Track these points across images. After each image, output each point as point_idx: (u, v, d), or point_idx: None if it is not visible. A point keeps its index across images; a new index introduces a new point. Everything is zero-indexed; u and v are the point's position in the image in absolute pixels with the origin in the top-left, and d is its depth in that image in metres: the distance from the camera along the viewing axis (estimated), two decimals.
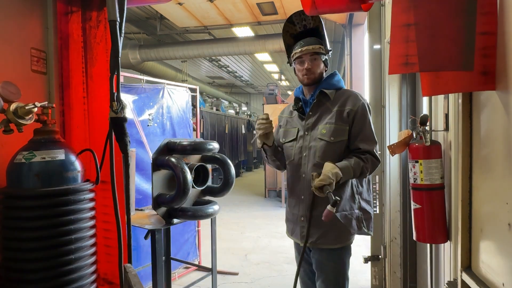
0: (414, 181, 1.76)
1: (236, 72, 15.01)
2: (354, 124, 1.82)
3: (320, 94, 1.90)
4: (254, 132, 2.05)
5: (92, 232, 2.10)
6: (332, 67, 13.72)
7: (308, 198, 1.84)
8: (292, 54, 1.96)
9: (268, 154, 2.00)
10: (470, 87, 1.31)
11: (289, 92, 18.69)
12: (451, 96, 1.66)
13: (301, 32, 2.02)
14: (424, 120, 1.74)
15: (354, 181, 1.86)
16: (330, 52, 1.98)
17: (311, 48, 1.89)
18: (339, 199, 1.59)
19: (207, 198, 2.76)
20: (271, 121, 1.89)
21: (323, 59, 1.95)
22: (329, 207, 1.58)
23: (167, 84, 3.86)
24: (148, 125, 3.60)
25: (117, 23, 1.89)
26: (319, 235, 1.84)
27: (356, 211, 1.85)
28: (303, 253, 1.85)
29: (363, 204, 1.89)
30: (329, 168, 1.66)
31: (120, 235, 1.96)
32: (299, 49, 1.90)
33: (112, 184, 1.97)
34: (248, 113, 19.62)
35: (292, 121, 2.01)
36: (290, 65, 2.04)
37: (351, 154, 1.80)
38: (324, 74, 1.98)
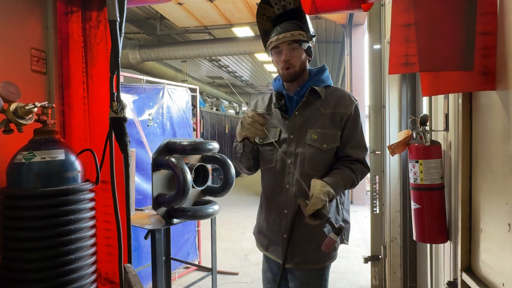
0: (414, 181, 1.76)
1: (236, 72, 15.00)
2: (345, 129, 1.57)
3: (310, 92, 1.60)
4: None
5: (92, 232, 2.10)
6: (332, 67, 13.70)
7: (292, 213, 1.55)
8: (268, 42, 1.64)
9: (245, 151, 1.66)
10: (470, 87, 1.31)
11: None
12: (451, 96, 1.66)
13: (280, 15, 1.69)
14: (424, 120, 1.74)
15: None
16: (314, 38, 1.64)
17: (290, 35, 1.55)
18: (343, 225, 1.38)
19: (207, 198, 2.76)
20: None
21: (305, 48, 1.60)
22: (332, 235, 1.32)
23: (167, 84, 3.86)
24: (148, 125, 3.60)
25: (117, 23, 1.90)
26: (305, 255, 1.57)
27: (341, 223, 1.61)
28: (282, 274, 1.57)
29: (345, 215, 1.67)
30: (318, 187, 1.39)
31: (120, 235, 1.96)
32: (275, 37, 1.58)
33: (112, 184, 1.97)
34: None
35: (272, 119, 1.67)
36: (268, 56, 1.71)
37: (340, 163, 1.56)
38: (307, 65, 1.66)
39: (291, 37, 1.56)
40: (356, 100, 1.63)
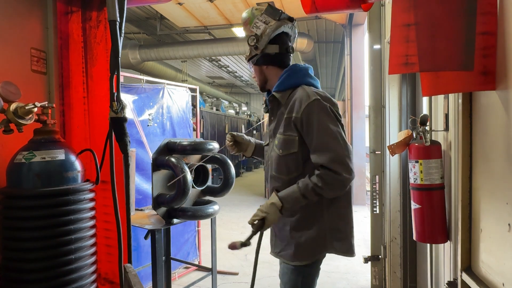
0: (414, 181, 1.76)
1: (236, 72, 15.01)
2: (303, 134, 1.51)
3: (272, 98, 1.63)
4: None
5: (92, 232, 2.10)
6: (332, 67, 13.70)
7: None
8: None
9: (256, 159, 1.92)
10: (470, 87, 1.31)
11: None
12: (451, 96, 1.66)
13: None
14: (424, 120, 1.74)
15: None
16: (259, 49, 1.60)
17: (245, 57, 1.70)
18: (249, 244, 1.48)
19: (207, 198, 2.76)
20: (235, 140, 1.82)
21: (259, 62, 1.64)
22: (237, 243, 1.48)
23: (167, 84, 3.86)
24: (148, 125, 3.60)
25: (117, 23, 1.90)
26: (281, 248, 1.63)
27: (321, 231, 1.56)
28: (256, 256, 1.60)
29: (336, 221, 1.59)
30: (267, 201, 1.49)
31: (120, 235, 1.96)
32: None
33: (112, 184, 1.97)
34: (248, 113, 19.62)
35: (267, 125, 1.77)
36: None
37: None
38: (271, 73, 1.66)
39: (245, 57, 1.69)
40: (311, 99, 1.49)
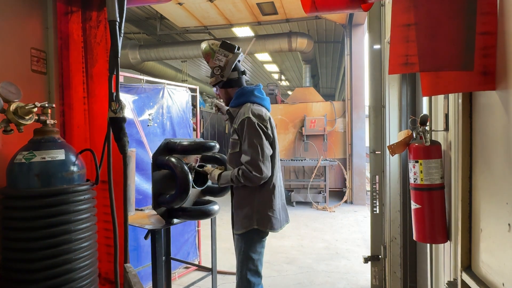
0: (414, 181, 1.76)
1: None
2: (240, 138, 2.12)
3: (228, 112, 2.28)
4: None
5: (92, 232, 2.10)
6: (332, 67, 13.71)
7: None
8: None
9: None
10: (470, 87, 1.31)
11: (289, 92, 18.68)
12: (451, 96, 1.66)
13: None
14: (424, 120, 1.73)
15: (257, 188, 2.11)
16: (223, 74, 2.18)
17: (209, 83, 2.29)
18: (193, 168, 2.38)
19: (207, 198, 2.76)
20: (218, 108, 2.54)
21: (223, 86, 2.23)
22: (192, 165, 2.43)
23: (167, 84, 3.86)
24: (148, 125, 3.60)
25: (117, 23, 1.90)
26: (234, 223, 2.27)
27: (251, 211, 2.12)
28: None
29: (262, 207, 2.12)
30: (216, 170, 2.26)
31: (115, 234, 1.96)
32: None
33: (109, 184, 1.97)
34: None
35: None
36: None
37: None
38: (233, 93, 2.24)
39: (210, 84, 2.29)
40: (246, 116, 2.07)
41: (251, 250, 2.16)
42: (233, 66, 2.18)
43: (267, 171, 2.04)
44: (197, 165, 2.49)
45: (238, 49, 2.19)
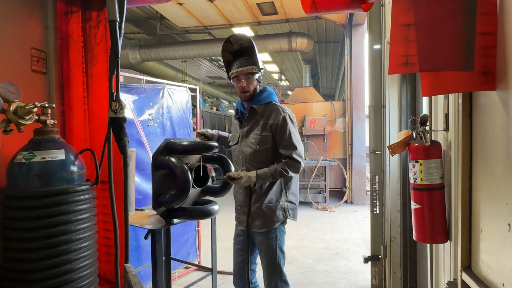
0: (414, 181, 1.76)
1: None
2: (276, 135, 2.18)
3: (251, 109, 2.27)
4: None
5: (92, 232, 2.10)
6: (332, 67, 13.70)
7: (243, 193, 2.31)
8: (230, 72, 2.27)
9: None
10: (470, 87, 1.31)
11: (289, 92, 18.68)
12: (451, 96, 1.66)
13: (238, 50, 2.31)
14: (424, 120, 1.73)
15: (282, 180, 2.25)
16: (262, 70, 2.27)
17: (245, 70, 2.21)
18: (216, 181, 2.25)
19: (207, 198, 2.76)
20: (204, 136, 2.51)
21: (256, 77, 2.25)
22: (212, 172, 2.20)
23: (167, 84, 3.86)
24: (148, 125, 3.60)
25: (117, 23, 1.90)
26: (254, 221, 2.27)
27: (283, 203, 2.25)
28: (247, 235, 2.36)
29: (290, 197, 2.28)
30: (247, 172, 2.15)
31: (116, 234, 1.96)
32: (235, 70, 2.21)
33: (110, 184, 1.97)
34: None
35: (236, 127, 2.41)
36: (230, 80, 2.33)
37: (277, 160, 2.20)
38: (258, 89, 2.28)
39: (246, 70, 2.21)
40: (285, 112, 2.20)
41: (283, 242, 2.29)
42: None
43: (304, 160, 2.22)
44: (195, 166, 2.49)
45: None
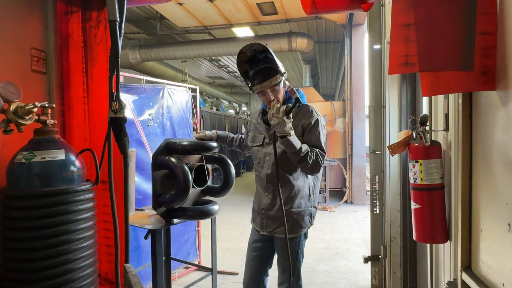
0: (414, 181, 1.76)
1: (236, 72, 15.00)
2: (306, 134, 2.09)
3: (289, 110, 2.07)
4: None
5: (92, 232, 2.10)
6: (332, 67, 13.70)
7: (269, 196, 2.21)
8: (253, 87, 2.10)
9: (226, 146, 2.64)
10: (470, 87, 1.31)
11: None
12: (451, 96, 1.66)
13: (251, 56, 2.14)
14: (424, 120, 1.74)
15: (311, 181, 2.19)
16: (285, 74, 2.12)
17: (269, 83, 2.04)
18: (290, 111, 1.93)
19: (207, 198, 2.76)
20: (202, 139, 2.46)
21: (282, 85, 2.10)
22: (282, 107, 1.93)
23: (167, 84, 3.86)
24: (148, 125, 3.60)
25: (117, 23, 1.89)
26: (276, 226, 2.19)
27: (310, 208, 2.20)
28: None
29: (315, 202, 2.24)
30: (287, 126, 1.91)
31: (116, 234, 1.96)
32: (259, 85, 2.04)
33: (110, 184, 1.97)
34: (248, 113, 19.61)
35: (259, 128, 2.29)
36: (252, 92, 2.17)
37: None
38: (285, 93, 2.14)
39: (271, 83, 2.04)
40: (318, 115, 2.14)
41: (304, 246, 2.28)
42: None
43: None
44: (195, 166, 2.49)
45: None
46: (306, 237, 2.28)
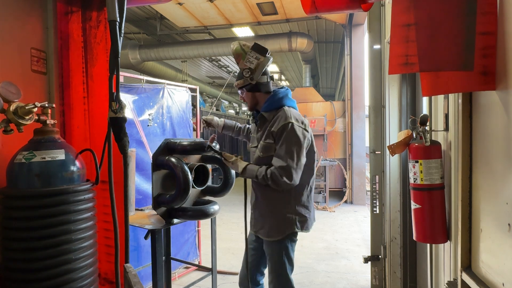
0: (414, 181, 1.76)
1: (236, 72, 15.02)
2: (275, 142, 2.08)
3: (261, 116, 2.20)
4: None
5: (92, 232, 2.10)
6: (332, 67, 13.70)
7: (252, 195, 2.26)
8: None
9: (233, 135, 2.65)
10: (470, 87, 1.31)
11: None
12: (451, 96, 1.66)
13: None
14: (424, 120, 1.74)
15: (293, 190, 2.11)
16: (254, 80, 2.12)
17: (236, 85, 2.20)
18: (210, 151, 2.23)
19: (207, 198, 2.76)
20: (208, 123, 2.51)
21: (250, 89, 2.17)
22: (210, 140, 2.25)
23: (167, 84, 3.86)
24: (148, 125, 3.60)
25: (117, 23, 1.90)
26: (259, 227, 2.21)
27: (291, 214, 2.12)
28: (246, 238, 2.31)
29: (300, 209, 2.14)
30: (241, 162, 2.13)
31: (116, 234, 1.96)
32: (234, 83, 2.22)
33: (110, 184, 1.97)
34: (249, 113, 19.58)
35: (254, 131, 2.33)
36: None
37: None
38: (261, 97, 2.19)
39: (237, 86, 2.20)
40: (289, 120, 2.04)
41: (291, 251, 2.18)
42: (263, 70, 2.12)
43: (296, 179, 2.02)
44: (195, 166, 2.49)
45: (269, 53, 2.13)
46: (292, 241, 2.18)
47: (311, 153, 2.16)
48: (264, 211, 2.17)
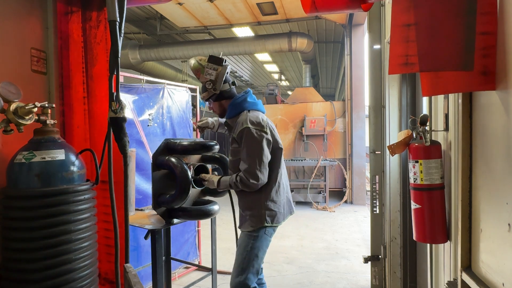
0: (414, 181, 1.76)
1: (236, 72, 15.01)
2: (239, 146, 2.19)
3: (226, 123, 2.39)
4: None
5: (92, 232, 2.10)
6: (332, 67, 13.71)
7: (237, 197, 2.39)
8: None
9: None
10: (470, 87, 1.31)
11: (289, 92, 18.68)
12: (451, 96, 1.66)
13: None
14: (424, 120, 1.73)
15: (263, 188, 2.20)
16: (218, 90, 2.25)
17: (201, 97, 2.39)
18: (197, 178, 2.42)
19: (207, 198, 2.76)
20: (202, 128, 2.60)
21: (216, 99, 2.31)
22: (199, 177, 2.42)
23: (167, 84, 3.86)
24: (148, 125, 3.60)
25: (117, 23, 1.90)
26: (240, 224, 2.34)
27: (263, 209, 2.22)
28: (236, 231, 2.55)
29: (269, 204, 2.23)
30: (214, 177, 2.33)
31: (116, 234, 1.96)
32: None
33: (110, 184, 1.97)
34: None
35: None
36: None
37: None
38: (227, 106, 2.32)
39: (203, 99, 2.38)
40: (246, 125, 2.15)
41: (260, 248, 2.24)
42: (223, 79, 2.25)
43: (263, 178, 2.14)
44: (196, 166, 2.49)
45: (225, 61, 2.27)
46: (262, 236, 2.24)
47: (276, 150, 2.25)
48: (242, 209, 2.30)
